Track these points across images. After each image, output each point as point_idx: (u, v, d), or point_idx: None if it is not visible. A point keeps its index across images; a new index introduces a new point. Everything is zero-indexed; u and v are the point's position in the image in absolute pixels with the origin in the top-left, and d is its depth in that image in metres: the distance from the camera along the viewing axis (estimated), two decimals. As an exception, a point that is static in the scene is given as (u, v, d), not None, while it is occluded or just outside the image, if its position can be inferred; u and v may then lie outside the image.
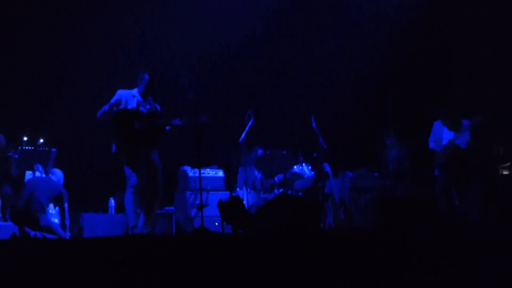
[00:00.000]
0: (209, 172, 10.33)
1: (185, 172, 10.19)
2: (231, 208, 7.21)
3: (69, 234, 8.70)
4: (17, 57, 10.81)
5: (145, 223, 7.52)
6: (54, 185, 8.83)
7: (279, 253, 4.32)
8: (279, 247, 4.36)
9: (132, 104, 7.63)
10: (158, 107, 7.89)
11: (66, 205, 8.80)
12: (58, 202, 8.74)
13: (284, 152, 10.56)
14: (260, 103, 11.41)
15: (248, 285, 4.14)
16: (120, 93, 7.66)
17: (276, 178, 10.36)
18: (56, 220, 8.67)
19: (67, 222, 8.78)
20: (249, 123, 9.67)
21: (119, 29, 11.50)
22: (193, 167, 10.13)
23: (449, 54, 13.60)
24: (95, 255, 4.04)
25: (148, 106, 7.73)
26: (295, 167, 10.25)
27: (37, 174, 9.29)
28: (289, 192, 10.00)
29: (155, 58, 11.41)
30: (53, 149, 9.43)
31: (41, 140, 9.46)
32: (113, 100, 7.58)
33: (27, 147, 9.26)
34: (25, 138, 9.48)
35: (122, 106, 7.57)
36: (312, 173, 10.24)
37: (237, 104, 10.98)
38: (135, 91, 7.73)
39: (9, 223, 9.02)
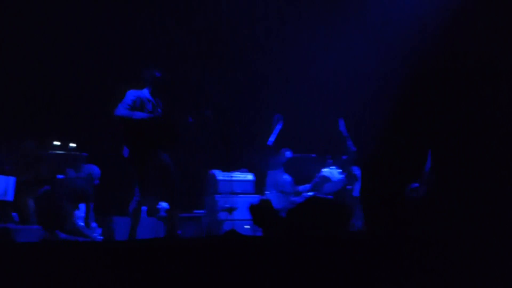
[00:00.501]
0: (238, 176, 10.35)
1: (214, 176, 10.22)
2: (262, 211, 7.22)
3: (100, 237, 8.76)
4: (48, 62, 10.91)
5: (170, 226, 7.57)
6: (80, 185, 8.83)
7: (310, 256, 4.32)
8: (310, 250, 4.35)
9: (148, 107, 7.63)
10: (160, 102, 7.84)
11: (91, 205, 8.78)
12: (83, 201, 8.73)
13: (313, 155, 10.55)
14: (289, 106, 11.40)
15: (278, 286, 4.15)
16: (134, 94, 7.64)
17: (298, 189, 10.36)
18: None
19: (93, 223, 8.79)
20: (278, 126, 9.68)
21: (149, 32, 11.56)
22: (223, 170, 10.16)
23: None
24: (126, 258, 4.07)
25: (156, 107, 7.73)
26: (324, 170, 10.24)
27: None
28: (318, 195, 9.99)
29: (181, 60, 11.43)
30: (84, 153, 9.50)
31: (72, 145, 9.55)
32: (130, 102, 7.56)
33: (58, 152, 9.34)
34: (56, 143, 9.56)
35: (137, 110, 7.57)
36: (342, 176, 10.21)
37: (266, 108, 10.98)
38: (145, 91, 7.73)
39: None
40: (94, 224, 8.77)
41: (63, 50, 11.03)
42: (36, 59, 10.80)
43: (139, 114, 7.48)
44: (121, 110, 7.51)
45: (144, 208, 9.90)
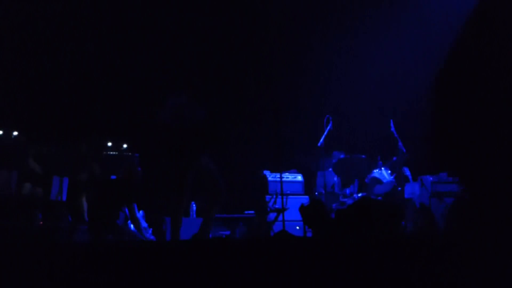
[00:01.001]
0: (288, 176, 10.37)
1: (265, 177, 10.26)
2: (312, 212, 7.23)
3: (151, 236, 8.85)
4: (101, 64, 11.08)
5: (203, 229, 7.66)
6: (122, 186, 8.88)
7: (360, 257, 4.33)
8: (361, 251, 4.36)
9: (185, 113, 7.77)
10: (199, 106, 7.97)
11: (134, 205, 8.81)
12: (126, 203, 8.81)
13: (363, 156, 10.51)
14: (339, 107, 11.37)
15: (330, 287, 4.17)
16: (173, 100, 7.79)
17: (347, 191, 10.32)
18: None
19: (143, 223, 8.85)
20: (328, 127, 9.67)
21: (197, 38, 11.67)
22: (272, 171, 10.20)
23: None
24: (178, 258, 4.12)
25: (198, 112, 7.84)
26: (374, 171, 10.18)
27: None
28: (370, 196, 9.95)
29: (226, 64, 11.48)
30: (136, 154, 9.62)
31: (125, 145, 9.67)
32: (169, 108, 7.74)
33: (111, 152, 9.47)
34: (110, 144, 9.70)
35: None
36: (392, 177, 10.14)
37: (316, 109, 10.98)
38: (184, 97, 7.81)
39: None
40: (145, 224, 8.87)
41: (119, 51, 11.20)
42: (87, 63, 10.99)
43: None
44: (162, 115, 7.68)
45: (193, 208, 9.99)
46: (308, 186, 10.53)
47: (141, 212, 9.00)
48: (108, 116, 10.89)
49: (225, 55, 11.70)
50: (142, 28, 11.44)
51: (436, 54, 12.77)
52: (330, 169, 10.61)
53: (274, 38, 12.16)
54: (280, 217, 8.46)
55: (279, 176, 7.96)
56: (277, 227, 9.43)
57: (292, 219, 9.44)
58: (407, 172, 10.20)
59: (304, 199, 9.99)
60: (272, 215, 9.77)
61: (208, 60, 11.60)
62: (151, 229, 8.89)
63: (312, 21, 12.29)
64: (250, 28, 12.00)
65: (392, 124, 9.91)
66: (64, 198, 9.39)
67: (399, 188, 9.97)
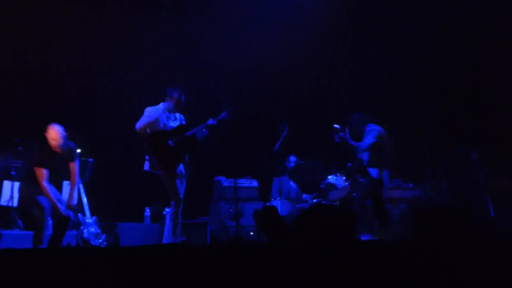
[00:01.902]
0: (243, 182, 10.36)
1: (220, 182, 10.23)
2: (266, 217, 7.21)
3: (104, 243, 8.75)
4: (55, 68, 10.95)
5: (174, 230, 7.76)
6: None
7: (314, 262, 4.32)
8: (314, 257, 4.35)
9: (164, 120, 7.94)
10: (182, 117, 8.21)
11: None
12: None
13: (319, 162, 10.56)
14: (294, 113, 11.42)
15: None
16: (151, 110, 7.93)
17: (304, 196, 10.35)
18: (92, 229, 8.74)
19: (98, 230, 8.77)
20: (283, 134, 9.68)
21: (156, 43, 11.62)
22: (227, 177, 10.18)
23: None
24: (131, 264, 4.07)
25: (174, 120, 8.08)
26: (329, 177, 10.23)
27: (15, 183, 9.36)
28: (323, 202, 9.98)
29: (191, 69, 11.47)
30: (90, 159, 9.52)
31: (79, 150, 9.57)
32: (152, 118, 7.83)
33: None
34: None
35: (155, 124, 7.85)
36: (347, 183, 10.20)
37: (271, 115, 11.01)
38: (161, 106, 7.98)
39: (48, 232, 9.13)
40: (98, 230, 8.78)
41: (71, 56, 11.09)
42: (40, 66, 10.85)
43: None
44: (142, 123, 7.83)
45: (147, 214, 9.92)
46: (263, 192, 10.53)
47: (94, 217, 8.91)
48: (62, 121, 10.75)
49: (192, 64, 11.70)
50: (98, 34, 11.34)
51: (394, 61, 12.93)
52: (286, 175, 10.63)
53: (237, 47, 12.19)
54: (236, 223, 8.45)
55: (234, 182, 7.96)
56: (232, 232, 9.41)
57: (247, 225, 9.43)
58: (361, 178, 10.26)
59: (260, 205, 9.98)
60: (227, 221, 9.74)
61: (171, 68, 11.58)
62: (104, 235, 8.81)
63: (272, 32, 12.36)
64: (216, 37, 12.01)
65: (347, 131, 9.97)
66: (16, 203, 9.24)
67: (354, 194, 10.03)
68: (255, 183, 10.51)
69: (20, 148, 9.36)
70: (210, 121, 7.96)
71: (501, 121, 13.24)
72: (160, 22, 11.79)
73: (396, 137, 10.74)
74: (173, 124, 8.01)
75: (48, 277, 3.85)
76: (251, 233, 9.35)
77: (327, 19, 12.22)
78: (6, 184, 9.35)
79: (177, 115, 8.16)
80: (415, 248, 4.81)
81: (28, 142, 9.49)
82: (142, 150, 7.92)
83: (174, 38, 11.72)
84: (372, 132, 8.95)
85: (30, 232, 8.94)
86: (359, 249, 4.64)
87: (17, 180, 9.34)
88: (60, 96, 10.86)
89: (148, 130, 7.80)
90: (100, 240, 8.68)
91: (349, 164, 10.36)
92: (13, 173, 9.28)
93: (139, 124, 7.78)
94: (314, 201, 10.06)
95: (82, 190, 9.11)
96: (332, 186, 10.17)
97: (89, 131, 10.93)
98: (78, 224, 8.79)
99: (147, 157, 7.92)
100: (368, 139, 8.90)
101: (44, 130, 8.14)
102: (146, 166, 7.94)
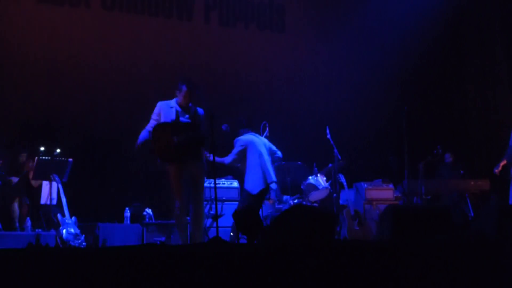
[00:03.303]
0: (224, 182, 10.36)
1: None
2: (246, 218, 7.22)
3: (84, 243, 8.74)
4: (33, 66, 10.91)
5: (196, 234, 7.73)
6: None
7: (294, 263, 4.33)
8: (294, 258, 4.36)
9: (171, 116, 7.73)
10: (201, 111, 7.96)
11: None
12: None
13: (299, 163, 10.56)
14: (275, 113, 11.43)
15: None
16: (159, 105, 7.82)
17: (284, 198, 10.36)
18: (72, 230, 8.71)
19: (75, 230, 8.75)
20: (264, 134, 9.69)
21: (140, 41, 11.63)
22: (208, 177, 10.17)
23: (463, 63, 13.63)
24: (110, 264, 4.06)
25: (187, 115, 7.81)
26: (310, 178, 10.24)
27: (54, 183, 9.37)
28: (304, 203, 9.99)
29: (169, 69, 11.46)
30: (70, 159, 9.49)
31: (58, 150, 9.54)
32: (154, 116, 7.78)
33: (44, 157, 9.32)
34: (42, 148, 9.55)
35: (161, 119, 7.73)
36: (327, 184, 10.22)
37: (252, 115, 11.01)
38: (173, 101, 7.83)
39: (26, 232, 9.09)
40: (78, 231, 8.75)
41: (52, 54, 11.03)
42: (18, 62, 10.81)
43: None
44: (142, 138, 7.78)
45: (127, 215, 9.90)
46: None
47: (73, 218, 8.87)
48: (41, 120, 10.72)
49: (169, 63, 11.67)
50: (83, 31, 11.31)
51: (372, 59, 13.00)
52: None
53: (214, 43, 12.19)
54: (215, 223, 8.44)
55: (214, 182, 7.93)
56: (212, 233, 9.40)
57: (227, 225, 9.43)
58: (342, 179, 10.29)
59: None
60: (207, 221, 9.73)
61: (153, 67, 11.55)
62: (83, 235, 8.78)
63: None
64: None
65: (328, 131, 10.00)
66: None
67: (335, 195, 10.06)
68: (235, 184, 10.50)
69: None
70: (225, 126, 8.02)
71: (478, 123, 13.40)
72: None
73: (378, 138, 10.84)
74: (184, 119, 7.78)
75: (25, 278, 3.84)
76: (231, 234, 9.35)
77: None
78: None
79: (193, 110, 7.90)
80: (392, 248, 4.84)
81: (6, 141, 9.46)
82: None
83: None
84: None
85: (9, 232, 8.95)
86: (337, 249, 4.66)
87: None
88: (39, 94, 10.80)
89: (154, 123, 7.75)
90: (80, 241, 8.64)
91: (330, 165, 10.38)
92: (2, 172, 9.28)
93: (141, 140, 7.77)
94: (295, 201, 10.06)
95: (61, 190, 9.07)
96: (313, 187, 10.17)
97: (68, 130, 10.90)
98: (57, 225, 8.75)
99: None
100: None
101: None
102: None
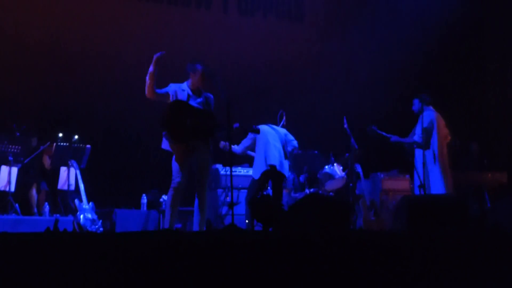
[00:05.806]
0: (240, 171, 10.38)
1: (217, 170, 10.25)
2: (262, 206, 7.23)
3: (101, 228, 8.80)
4: (51, 53, 10.95)
5: (200, 222, 7.53)
6: None
7: (308, 252, 4.34)
8: (309, 246, 4.38)
9: (183, 98, 7.41)
10: (211, 96, 7.65)
11: None
12: None
13: (316, 152, 10.55)
14: (292, 102, 11.41)
15: (277, 283, 4.17)
16: (173, 86, 7.49)
17: (301, 178, 10.35)
18: (89, 215, 8.76)
19: (92, 215, 8.80)
20: (281, 123, 9.69)
21: (157, 30, 11.64)
22: (224, 165, 10.19)
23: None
24: (126, 250, 4.09)
25: (199, 100, 7.51)
26: (326, 167, 10.23)
27: (72, 169, 9.43)
28: (320, 192, 10.00)
29: (187, 57, 11.47)
30: (88, 146, 9.53)
31: (76, 137, 9.59)
32: (163, 90, 7.42)
33: (62, 143, 9.37)
34: (60, 134, 9.60)
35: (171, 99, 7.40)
36: (344, 173, 10.21)
37: (269, 104, 11.01)
38: (184, 84, 7.53)
39: (44, 218, 9.17)
40: (95, 216, 8.82)
41: (69, 41, 11.08)
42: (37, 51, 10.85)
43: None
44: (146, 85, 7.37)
45: (144, 201, 9.94)
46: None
47: (91, 203, 8.94)
48: (59, 106, 10.77)
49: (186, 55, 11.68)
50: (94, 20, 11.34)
51: (391, 51, 12.94)
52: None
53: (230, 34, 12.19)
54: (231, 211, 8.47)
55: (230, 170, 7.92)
56: (228, 220, 9.45)
57: (243, 213, 9.45)
58: (358, 168, 10.27)
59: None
60: (223, 209, 9.77)
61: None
62: (100, 221, 8.84)
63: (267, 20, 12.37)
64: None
65: (345, 121, 9.97)
66: (13, 188, 9.28)
67: (351, 184, 10.04)
68: (252, 172, 10.51)
69: (18, 134, 9.35)
70: (236, 125, 7.63)
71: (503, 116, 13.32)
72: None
73: (396, 128, 10.79)
74: (195, 104, 7.40)
75: (43, 262, 3.88)
76: (247, 221, 9.38)
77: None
78: (4, 169, 9.38)
79: (207, 96, 7.59)
80: (407, 239, 4.84)
81: (26, 128, 9.51)
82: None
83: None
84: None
85: (27, 217, 9.03)
86: (353, 239, 4.67)
87: (14, 165, 9.38)
88: (57, 82, 10.85)
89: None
90: (97, 226, 8.71)
91: (347, 154, 10.36)
92: (10, 158, 9.30)
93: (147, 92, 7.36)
94: (311, 190, 10.06)
95: (79, 176, 9.13)
96: (329, 176, 10.17)
97: (86, 117, 10.95)
98: (75, 210, 8.82)
99: (164, 133, 7.36)
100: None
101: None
102: (164, 144, 7.41)
